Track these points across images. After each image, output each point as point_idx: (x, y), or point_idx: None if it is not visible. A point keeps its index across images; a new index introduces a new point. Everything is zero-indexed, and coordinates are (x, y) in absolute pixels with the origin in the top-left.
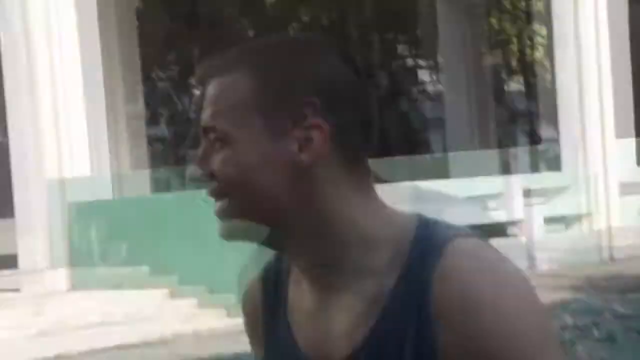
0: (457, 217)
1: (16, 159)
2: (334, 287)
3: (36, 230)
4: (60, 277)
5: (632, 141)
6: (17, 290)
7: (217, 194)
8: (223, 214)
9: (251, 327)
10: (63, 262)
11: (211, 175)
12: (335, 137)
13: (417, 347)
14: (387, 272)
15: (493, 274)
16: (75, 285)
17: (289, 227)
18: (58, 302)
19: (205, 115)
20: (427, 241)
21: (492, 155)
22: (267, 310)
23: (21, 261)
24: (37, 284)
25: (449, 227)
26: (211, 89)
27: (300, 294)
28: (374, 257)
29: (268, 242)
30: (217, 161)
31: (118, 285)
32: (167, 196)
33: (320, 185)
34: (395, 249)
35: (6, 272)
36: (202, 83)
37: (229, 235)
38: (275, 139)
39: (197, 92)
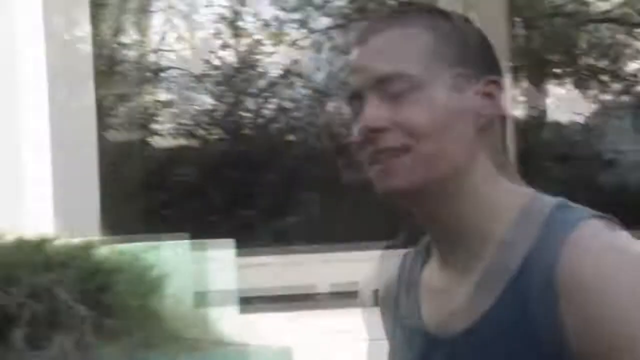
0: None
1: None
2: (460, 261)
3: None
4: None
5: None
6: None
7: (398, 148)
8: (399, 171)
9: (384, 313)
10: None
11: (393, 127)
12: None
13: (537, 327)
14: (512, 250)
15: (622, 257)
16: None
17: (449, 187)
18: None
19: (384, 64)
20: (560, 221)
21: None
22: (400, 292)
23: None
24: None
25: (580, 209)
26: (386, 39)
27: (431, 272)
28: (501, 232)
29: (417, 203)
30: (403, 110)
31: None
32: None
33: (484, 147)
34: (524, 227)
35: None
36: (366, 38)
37: (395, 194)
38: (461, 90)
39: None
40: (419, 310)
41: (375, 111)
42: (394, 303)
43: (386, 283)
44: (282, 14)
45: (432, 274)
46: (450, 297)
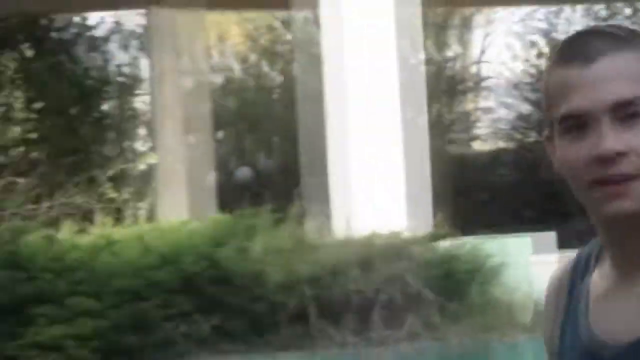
0: None
1: None
2: (634, 273)
3: None
4: None
5: None
6: None
7: (634, 174)
8: (633, 195)
9: (550, 309)
10: None
11: (631, 152)
12: None
13: None
14: None
15: None
16: None
17: None
18: None
19: (626, 88)
20: None
21: None
22: (570, 292)
23: None
24: None
25: None
26: (620, 61)
27: (600, 279)
28: None
29: (634, 226)
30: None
31: None
32: None
33: None
34: None
35: None
36: (594, 58)
37: (625, 217)
38: None
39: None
40: (587, 312)
41: (617, 136)
42: (565, 303)
43: (558, 282)
44: (594, 24)
45: (601, 281)
46: (620, 307)
